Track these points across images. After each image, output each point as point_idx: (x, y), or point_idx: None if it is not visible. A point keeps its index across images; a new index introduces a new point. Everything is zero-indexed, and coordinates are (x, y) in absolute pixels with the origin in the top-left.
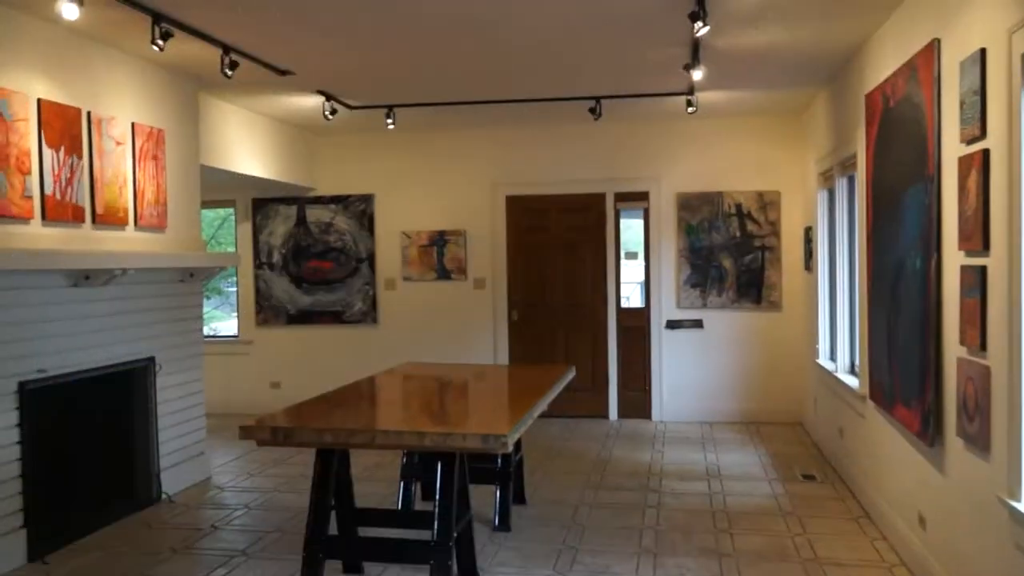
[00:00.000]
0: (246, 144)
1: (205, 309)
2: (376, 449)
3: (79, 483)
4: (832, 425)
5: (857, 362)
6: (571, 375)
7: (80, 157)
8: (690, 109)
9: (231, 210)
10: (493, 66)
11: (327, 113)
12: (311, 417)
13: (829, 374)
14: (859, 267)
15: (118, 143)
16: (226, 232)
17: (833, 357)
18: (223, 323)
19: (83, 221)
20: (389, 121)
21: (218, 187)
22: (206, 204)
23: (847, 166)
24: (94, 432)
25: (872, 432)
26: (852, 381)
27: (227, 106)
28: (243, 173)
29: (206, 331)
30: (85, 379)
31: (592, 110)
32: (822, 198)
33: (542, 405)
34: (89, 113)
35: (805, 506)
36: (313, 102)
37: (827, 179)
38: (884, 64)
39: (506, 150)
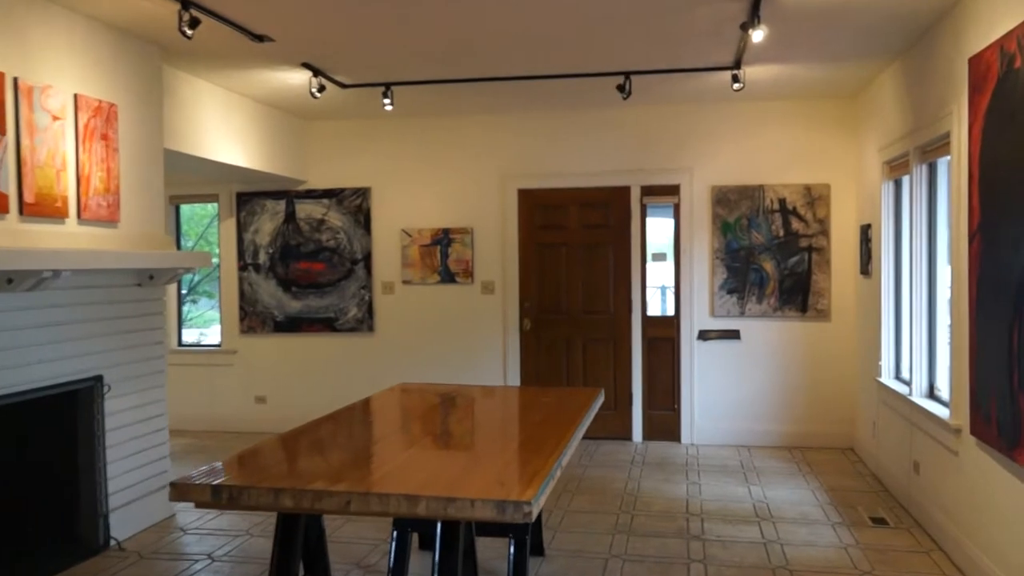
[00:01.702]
0: (224, 128)
1: (197, 311)
2: (354, 515)
3: (5, 530)
4: (901, 457)
5: (938, 384)
6: (600, 401)
7: (3, 133)
8: (736, 86)
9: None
10: (505, 34)
11: (314, 91)
12: (268, 469)
13: (899, 397)
14: (955, 272)
15: (55, 118)
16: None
17: (899, 375)
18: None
19: (6, 212)
20: (387, 101)
21: (199, 180)
22: (185, 199)
23: (930, 150)
24: (26, 468)
25: (973, 474)
26: (937, 409)
27: (200, 83)
28: (219, 161)
29: (196, 337)
30: (13, 404)
31: (620, 87)
32: (887, 191)
33: (570, 450)
34: (16, 80)
35: (883, 561)
36: (299, 79)
37: (896, 168)
38: (1000, 17)
39: (519, 138)
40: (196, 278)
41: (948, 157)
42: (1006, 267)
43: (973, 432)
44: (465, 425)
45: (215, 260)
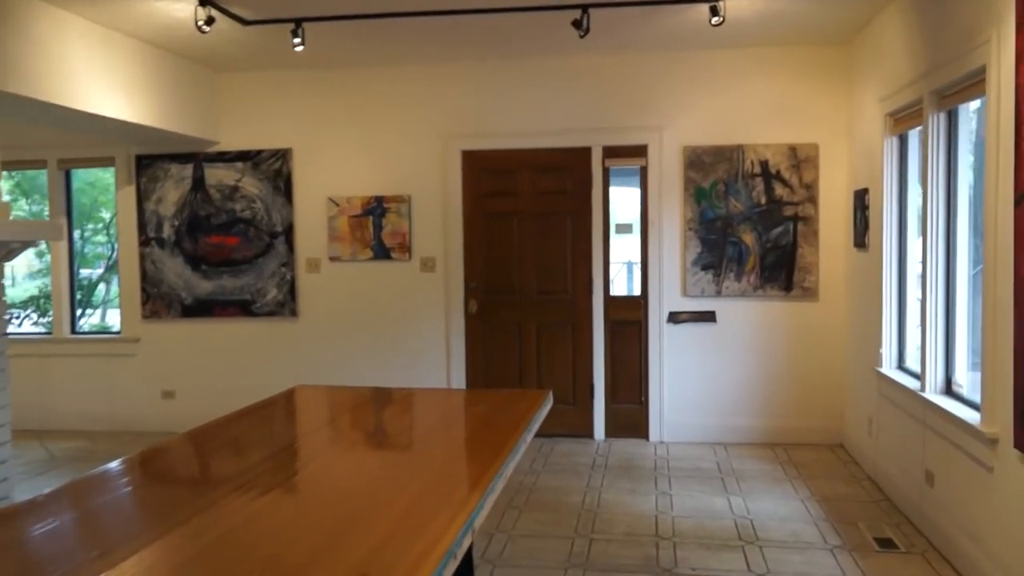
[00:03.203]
0: (104, 75)
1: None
2: None
3: None
4: (909, 463)
5: (957, 379)
6: (546, 408)
7: None
8: (715, 20)
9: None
10: None
11: (201, 23)
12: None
13: (906, 392)
14: (989, 244)
15: None
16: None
17: (903, 365)
18: None
19: None
20: (297, 41)
21: (92, 141)
22: (76, 163)
23: (951, 94)
24: None
25: (1017, 497)
26: (960, 410)
27: (65, 16)
28: (95, 114)
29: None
30: None
31: (577, 23)
32: (890, 148)
33: (493, 494)
34: None
35: None
36: (186, 11)
37: (903, 121)
38: None
39: (462, 92)
40: (115, 254)
41: (980, 100)
42: None
43: (1020, 446)
44: (348, 461)
45: (106, 234)
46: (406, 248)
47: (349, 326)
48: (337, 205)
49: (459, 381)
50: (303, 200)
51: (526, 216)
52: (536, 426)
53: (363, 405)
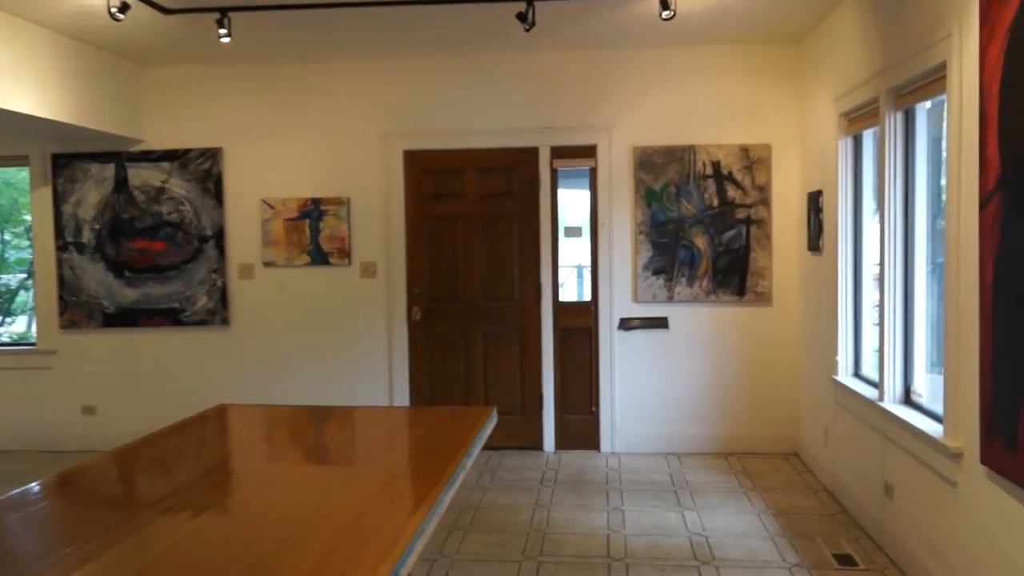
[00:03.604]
0: (13, 67)
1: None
2: None
3: None
4: (867, 474)
5: (916, 388)
6: (490, 426)
7: None
8: (665, 14)
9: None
10: None
11: (115, 11)
12: None
13: (863, 401)
14: (952, 247)
15: None
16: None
17: (859, 372)
18: None
19: None
20: (223, 32)
21: (2, 138)
22: None
23: (909, 92)
24: None
25: (982, 515)
26: (920, 421)
27: None
28: (4, 108)
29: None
30: None
31: (522, 16)
32: (845, 149)
33: (437, 512)
34: None
35: None
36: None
37: (857, 120)
38: None
39: (404, 89)
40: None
41: (938, 98)
42: None
43: (986, 462)
44: (280, 483)
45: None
46: (345, 253)
47: (285, 335)
48: (271, 207)
49: (402, 391)
50: (235, 202)
51: (471, 219)
52: (480, 445)
53: (295, 424)
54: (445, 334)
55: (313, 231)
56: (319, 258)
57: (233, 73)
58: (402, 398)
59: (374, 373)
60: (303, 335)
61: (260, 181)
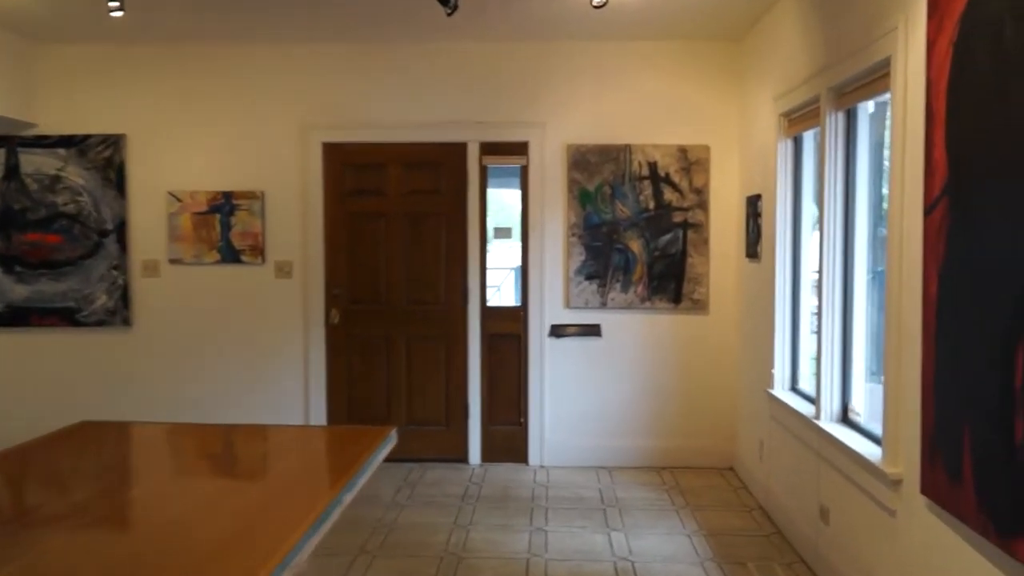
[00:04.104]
0: None
1: None
2: None
3: None
4: (802, 495)
5: (854, 406)
6: (387, 447)
7: None
8: (596, 1)
9: None
10: None
11: None
12: None
13: (798, 417)
14: (894, 256)
15: None
16: None
17: (796, 386)
18: None
19: None
20: (114, 5)
21: None
22: None
23: (852, 91)
24: None
25: (923, 548)
26: (857, 443)
27: None
28: None
29: None
30: None
31: (443, 0)
32: (784, 151)
33: (307, 545)
34: None
35: None
36: None
37: (798, 121)
38: None
39: (324, 78)
40: None
41: (882, 100)
42: (1005, 252)
43: (927, 492)
44: (135, 508)
45: None
46: (259, 250)
47: (193, 338)
48: (179, 200)
49: (319, 399)
50: (138, 194)
51: (395, 217)
52: (369, 472)
53: (159, 445)
54: (366, 339)
55: (224, 227)
56: (230, 256)
57: (138, 54)
58: (318, 406)
59: (289, 379)
60: (212, 338)
61: (167, 172)
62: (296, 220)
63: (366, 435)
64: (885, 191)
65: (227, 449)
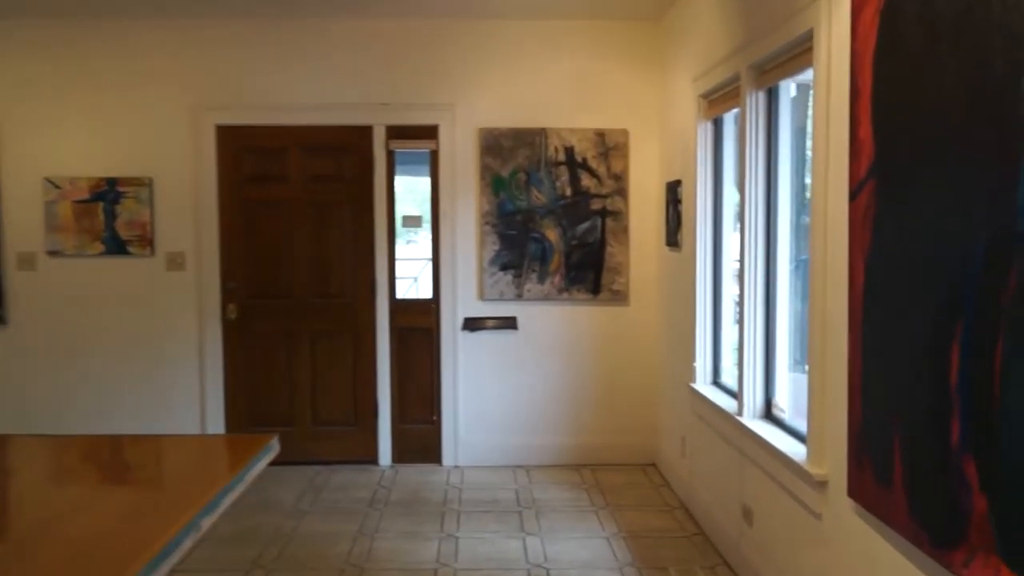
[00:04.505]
0: None
1: None
2: None
3: None
4: (724, 495)
5: (778, 402)
6: (265, 459)
7: None
8: None
9: None
10: None
11: None
12: None
13: (720, 413)
14: (817, 243)
15: None
16: None
17: (718, 380)
18: None
19: None
20: None
21: None
22: None
23: (773, 68)
24: None
25: (849, 554)
26: (782, 441)
27: None
28: None
29: None
30: None
31: None
32: (704, 134)
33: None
34: None
35: None
36: None
37: (717, 103)
38: None
39: (217, 55)
40: None
41: (806, 74)
42: (939, 238)
43: (854, 495)
44: None
45: None
46: (147, 241)
47: (77, 336)
48: (57, 187)
49: (216, 400)
50: (12, 181)
51: (297, 205)
52: (241, 485)
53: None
54: (266, 335)
55: (108, 216)
56: (116, 247)
57: (9, 28)
58: (216, 408)
59: (184, 380)
60: (99, 336)
61: (43, 156)
62: (188, 208)
63: (243, 443)
64: (808, 180)
65: (81, 460)
